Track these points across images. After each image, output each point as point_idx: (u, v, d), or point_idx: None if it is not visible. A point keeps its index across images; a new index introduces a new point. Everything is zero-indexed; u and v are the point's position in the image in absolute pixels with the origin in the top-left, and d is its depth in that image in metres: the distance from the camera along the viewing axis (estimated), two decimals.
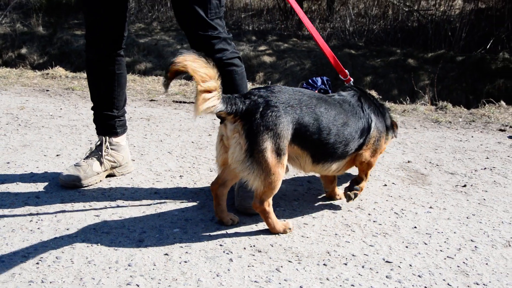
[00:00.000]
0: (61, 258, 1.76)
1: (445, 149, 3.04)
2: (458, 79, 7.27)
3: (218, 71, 1.76)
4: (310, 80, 3.74)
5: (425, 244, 1.91)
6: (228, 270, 1.71)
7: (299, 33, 9.54)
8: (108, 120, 2.44)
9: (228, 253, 1.81)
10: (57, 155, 2.78)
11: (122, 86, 2.44)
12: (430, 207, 2.23)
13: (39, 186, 2.36)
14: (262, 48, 8.76)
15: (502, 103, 4.21)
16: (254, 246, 1.86)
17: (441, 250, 1.86)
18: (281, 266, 1.74)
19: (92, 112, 2.48)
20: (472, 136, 3.32)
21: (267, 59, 8.35)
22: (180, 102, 4.13)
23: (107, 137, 2.46)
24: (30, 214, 2.08)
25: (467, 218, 2.13)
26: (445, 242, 1.93)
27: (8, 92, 4.34)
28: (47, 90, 4.46)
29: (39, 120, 3.47)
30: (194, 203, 2.22)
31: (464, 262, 1.79)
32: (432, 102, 4.83)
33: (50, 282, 1.62)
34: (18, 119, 3.47)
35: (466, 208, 2.23)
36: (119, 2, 2.25)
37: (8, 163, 2.64)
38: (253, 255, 1.81)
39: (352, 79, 2.27)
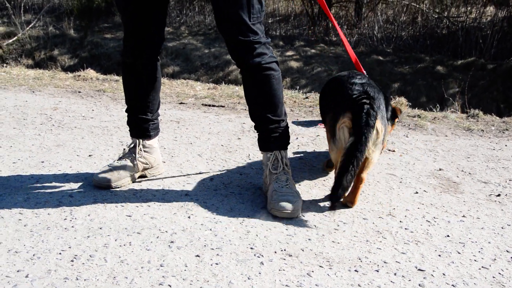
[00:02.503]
0: (95, 256, 1.78)
1: (477, 157, 2.99)
2: (489, 87, 7.15)
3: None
4: None
5: (459, 253, 1.88)
6: (259, 273, 1.71)
7: (326, 39, 9.52)
8: (143, 123, 2.47)
9: (259, 257, 1.81)
10: (89, 156, 2.83)
11: (157, 90, 2.47)
12: (463, 216, 2.20)
13: (73, 185, 2.41)
14: (289, 53, 8.77)
15: None
16: (285, 250, 1.86)
17: (475, 260, 1.83)
18: (312, 271, 1.73)
19: (126, 114, 2.51)
20: (506, 145, 3.26)
21: (294, 64, 8.36)
22: (209, 105, 4.15)
23: (141, 140, 2.49)
24: (64, 213, 2.11)
25: (502, 228, 2.09)
26: (479, 252, 1.89)
27: (42, 93, 4.44)
28: (79, 92, 4.54)
29: (72, 120, 3.54)
30: (224, 206, 2.22)
31: (499, 273, 1.75)
32: (463, 110, 4.75)
33: (85, 280, 1.64)
34: (51, 120, 3.54)
35: (501, 218, 2.19)
36: (159, 8, 2.26)
37: (43, 162, 2.70)
38: (284, 259, 1.80)
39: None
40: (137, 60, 2.35)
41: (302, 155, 2.98)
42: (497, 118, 4.02)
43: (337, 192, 2.01)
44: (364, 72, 2.56)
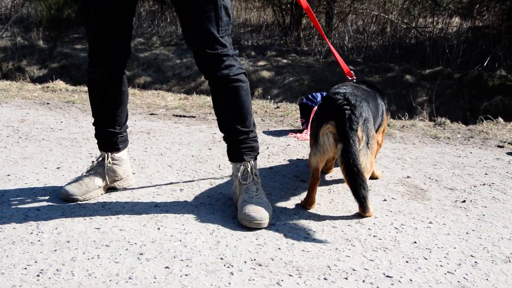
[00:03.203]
0: (62, 270, 1.76)
1: (444, 164, 3.06)
2: (455, 96, 7.33)
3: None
4: (310, 96, 3.78)
5: (425, 259, 1.91)
6: (229, 283, 1.71)
7: (298, 49, 9.61)
8: (111, 137, 2.45)
9: (228, 267, 1.81)
10: (58, 168, 2.79)
11: (125, 103, 2.45)
12: (430, 222, 2.24)
13: (40, 199, 2.36)
14: (261, 63, 8.82)
15: (500, 119, 4.23)
16: (254, 259, 1.87)
17: (441, 265, 1.87)
18: (282, 280, 1.74)
19: (94, 127, 2.48)
20: (471, 152, 3.34)
21: (266, 74, 8.40)
22: (180, 116, 4.14)
23: (110, 153, 2.47)
24: (31, 227, 2.08)
25: (467, 233, 2.14)
26: (445, 257, 1.93)
27: (8, 104, 4.36)
28: (48, 103, 4.48)
29: (40, 132, 3.48)
30: (194, 217, 2.22)
31: (464, 278, 1.79)
32: (431, 118, 4.85)
33: None
34: (18, 132, 3.48)
35: (466, 223, 2.24)
36: (124, 23, 2.25)
37: (9, 175, 2.65)
38: (254, 268, 1.81)
39: (355, 78, 2.69)
40: (103, 75, 2.32)
41: (272, 164, 3.00)
42: (463, 126, 4.12)
43: (363, 201, 2.14)
44: (355, 78, 2.69)
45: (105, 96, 2.39)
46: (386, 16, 9.92)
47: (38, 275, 1.72)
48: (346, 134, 2.08)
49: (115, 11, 2.20)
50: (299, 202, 2.40)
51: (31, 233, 2.02)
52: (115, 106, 2.41)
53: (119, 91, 2.39)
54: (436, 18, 9.53)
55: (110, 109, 2.41)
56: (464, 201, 2.49)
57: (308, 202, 2.34)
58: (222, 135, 2.36)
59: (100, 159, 2.47)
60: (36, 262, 1.81)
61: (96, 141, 2.52)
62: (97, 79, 2.36)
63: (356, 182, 2.07)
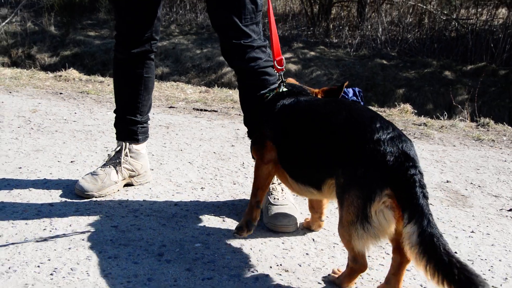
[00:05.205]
0: (76, 269, 1.79)
1: (487, 169, 3.02)
2: (500, 95, 7.22)
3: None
4: None
5: None
6: None
7: (326, 41, 9.58)
8: (131, 125, 2.49)
9: (253, 272, 1.82)
10: (71, 162, 2.83)
11: (149, 91, 2.49)
12: (472, 232, 2.22)
13: (53, 193, 2.41)
14: (286, 55, 8.81)
15: None
16: (281, 265, 1.87)
17: (485, 279, 1.85)
18: None
19: (114, 115, 2.52)
20: None
21: (292, 67, 8.39)
22: (201, 110, 4.17)
23: (127, 143, 2.50)
24: (44, 223, 2.11)
25: None
26: (489, 270, 1.91)
27: (19, 94, 4.44)
28: (61, 93, 4.55)
29: (52, 124, 3.54)
30: (216, 217, 2.23)
31: None
32: (472, 119, 4.80)
33: None
34: (30, 123, 3.54)
35: None
36: (153, 6, 2.30)
37: (20, 168, 2.70)
38: (280, 274, 1.81)
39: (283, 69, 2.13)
40: (129, 56, 2.38)
41: None
42: (509, 127, 4.06)
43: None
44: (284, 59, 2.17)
45: (129, 79, 2.44)
46: (424, 7, 9.82)
47: (51, 274, 1.76)
48: (422, 209, 1.53)
49: None
50: (329, 205, 2.38)
51: (44, 229, 2.06)
52: (138, 92, 2.45)
53: (144, 76, 2.44)
54: (479, 9, 9.39)
55: (133, 94, 2.45)
56: (510, 210, 2.46)
57: None
58: (247, 130, 2.37)
59: (117, 149, 2.50)
60: (49, 260, 1.84)
61: (112, 133, 2.56)
62: (123, 60, 2.42)
63: (471, 280, 1.46)
